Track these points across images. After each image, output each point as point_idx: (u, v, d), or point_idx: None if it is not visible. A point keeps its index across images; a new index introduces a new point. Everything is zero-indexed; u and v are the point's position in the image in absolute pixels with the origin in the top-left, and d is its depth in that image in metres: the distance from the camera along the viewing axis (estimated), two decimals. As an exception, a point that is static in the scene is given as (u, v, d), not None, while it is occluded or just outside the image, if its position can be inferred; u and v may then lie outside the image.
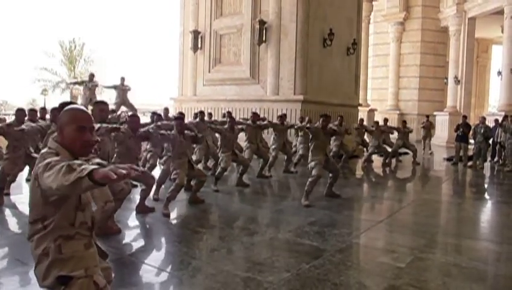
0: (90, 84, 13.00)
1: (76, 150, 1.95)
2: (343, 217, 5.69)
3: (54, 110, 6.22)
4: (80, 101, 13.98)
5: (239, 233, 4.88)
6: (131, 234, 4.80)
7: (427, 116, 18.50)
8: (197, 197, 6.14)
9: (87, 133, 1.96)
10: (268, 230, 5.06)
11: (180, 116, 6.48)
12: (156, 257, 4.03)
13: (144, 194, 5.42)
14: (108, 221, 4.36)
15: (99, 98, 13.18)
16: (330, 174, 6.64)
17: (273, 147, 9.20)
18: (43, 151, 1.93)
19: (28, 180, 7.49)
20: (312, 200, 6.51)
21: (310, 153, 6.45)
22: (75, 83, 15.61)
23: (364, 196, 7.75)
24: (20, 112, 6.43)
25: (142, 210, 5.44)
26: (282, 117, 9.54)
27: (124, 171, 1.50)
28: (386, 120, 12.73)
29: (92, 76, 13.30)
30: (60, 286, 1.88)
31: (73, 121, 1.94)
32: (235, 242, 4.49)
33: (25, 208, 5.63)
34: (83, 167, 1.53)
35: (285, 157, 9.29)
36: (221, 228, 5.20)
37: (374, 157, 12.30)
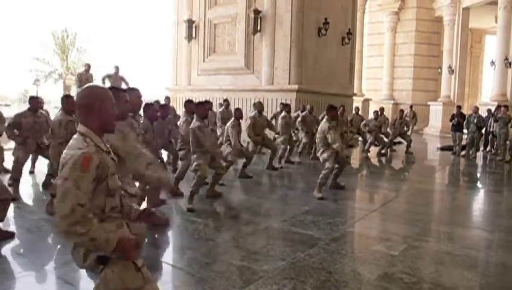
0: (87, 74, 12.87)
1: (110, 127, 2.06)
2: (338, 206, 5.74)
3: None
4: (74, 91, 13.86)
5: (234, 223, 4.91)
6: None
7: (411, 106, 18.68)
8: (215, 190, 5.95)
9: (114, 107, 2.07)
10: (263, 219, 5.09)
11: (208, 101, 6.34)
12: (151, 246, 4.05)
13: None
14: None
15: None
16: (337, 166, 6.49)
17: (281, 139, 9.07)
18: (74, 139, 1.96)
19: (31, 172, 7.44)
20: (307, 189, 6.56)
21: (320, 145, 6.32)
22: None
23: (358, 185, 7.81)
24: (33, 100, 6.18)
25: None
26: (287, 106, 9.42)
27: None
28: (382, 109, 12.70)
29: (88, 66, 13.17)
30: (99, 265, 1.94)
31: (110, 98, 2.02)
32: (230, 232, 4.52)
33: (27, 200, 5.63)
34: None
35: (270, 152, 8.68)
36: (217, 218, 5.22)
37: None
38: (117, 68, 13.03)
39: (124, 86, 13.11)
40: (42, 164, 7.14)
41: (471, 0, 19.93)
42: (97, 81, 13.27)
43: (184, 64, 15.52)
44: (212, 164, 5.61)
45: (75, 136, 1.98)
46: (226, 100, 10.64)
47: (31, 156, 6.70)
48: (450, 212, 5.96)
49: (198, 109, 5.59)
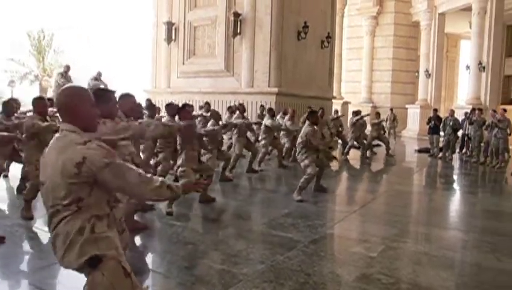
0: (66, 76, 12.63)
1: (92, 127, 2.08)
2: (317, 208, 5.76)
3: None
4: (51, 93, 13.56)
5: (214, 226, 4.89)
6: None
7: (391, 109, 19.02)
8: (207, 195, 5.80)
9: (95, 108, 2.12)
10: (243, 222, 5.08)
11: (189, 105, 6.26)
12: (130, 250, 3.98)
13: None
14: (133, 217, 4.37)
15: None
16: (317, 169, 6.45)
17: (263, 142, 9.00)
18: (64, 135, 1.98)
19: (5, 176, 7.16)
20: (287, 192, 6.58)
21: (302, 150, 6.29)
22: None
23: (338, 188, 7.86)
24: (39, 101, 5.26)
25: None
26: (271, 110, 9.35)
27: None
28: (358, 112, 12.79)
29: (67, 68, 12.92)
30: (88, 268, 1.91)
31: (86, 99, 2.05)
32: (210, 235, 4.49)
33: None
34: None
35: (250, 155, 8.58)
36: (196, 221, 5.18)
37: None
38: (99, 74, 12.85)
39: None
40: (16, 168, 6.96)
41: (447, 6, 20.37)
42: (77, 83, 13.01)
43: (163, 67, 15.40)
44: (199, 167, 5.53)
45: (66, 134, 1.97)
46: (207, 103, 10.56)
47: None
48: (428, 214, 6.05)
49: (182, 113, 5.51)
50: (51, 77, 13.66)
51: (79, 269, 1.97)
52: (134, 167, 2.01)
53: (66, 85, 2.11)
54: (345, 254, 4.06)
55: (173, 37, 14.90)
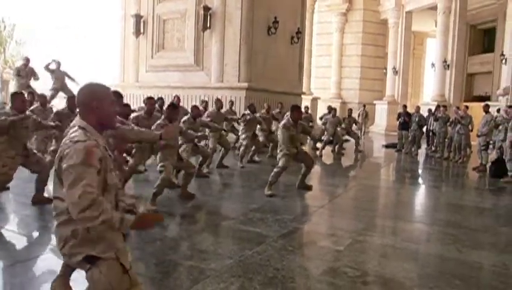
0: (26, 68, 12.17)
1: (110, 124, 2.12)
2: (286, 203, 5.78)
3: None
4: (13, 86, 13.03)
5: (182, 221, 4.84)
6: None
7: (364, 105, 19.39)
8: (187, 191, 5.73)
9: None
10: (211, 218, 5.06)
11: (171, 101, 6.16)
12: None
13: None
14: None
15: (34, 82, 12.34)
16: (304, 166, 6.47)
17: (243, 136, 8.93)
18: (74, 132, 1.97)
19: None
20: (255, 187, 6.59)
21: (279, 145, 6.25)
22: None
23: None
24: (17, 96, 5.19)
25: (39, 201, 5.09)
26: (252, 106, 9.27)
27: None
28: (330, 108, 12.91)
29: (27, 60, 12.46)
30: (87, 264, 1.93)
31: (108, 96, 2.07)
32: (178, 231, 4.45)
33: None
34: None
35: (222, 150, 8.48)
36: (164, 217, 5.11)
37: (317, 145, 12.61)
38: (58, 63, 12.44)
39: (68, 81, 12.58)
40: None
41: (414, 4, 20.85)
42: (39, 75, 12.57)
43: (132, 60, 15.09)
44: (179, 164, 5.47)
45: (74, 129, 1.99)
46: (176, 96, 10.43)
47: None
48: (394, 208, 6.19)
49: (171, 113, 5.46)
50: (12, 69, 13.13)
51: (78, 266, 1.99)
52: (89, 187, 1.81)
53: (87, 83, 2.11)
54: (313, 248, 4.10)
55: (141, 30, 14.61)
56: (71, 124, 2.08)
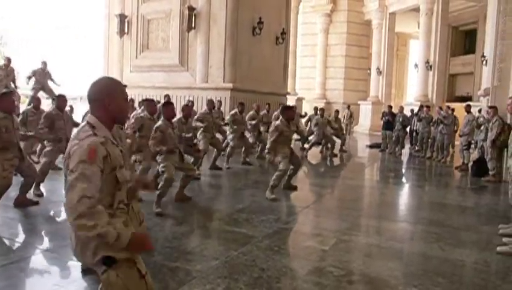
0: (7, 69, 11.95)
1: (122, 119, 2.09)
2: (271, 203, 5.77)
3: None
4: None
5: (167, 223, 4.80)
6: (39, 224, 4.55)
7: (348, 106, 19.55)
8: (184, 194, 5.65)
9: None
10: (197, 219, 5.04)
11: (169, 101, 6.07)
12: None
13: None
14: None
15: (16, 83, 12.13)
16: (292, 167, 6.41)
17: (230, 137, 8.86)
18: (81, 129, 1.92)
19: None
20: (241, 187, 6.58)
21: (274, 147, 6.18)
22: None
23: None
24: (4, 97, 4.95)
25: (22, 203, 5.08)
26: (242, 105, 9.20)
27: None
28: (317, 109, 12.91)
29: (8, 60, 12.23)
30: (102, 266, 1.86)
31: (121, 92, 2.02)
32: (163, 232, 4.42)
33: None
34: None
35: (215, 151, 8.47)
36: (149, 218, 5.06)
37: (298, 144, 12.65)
38: (44, 64, 12.26)
39: (50, 82, 12.40)
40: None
41: (397, 5, 21.09)
42: (20, 76, 12.37)
43: (116, 60, 14.95)
44: (180, 165, 5.39)
45: (83, 125, 1.94)
46: (167, 95, 10.25)
47: None
48: (378, 207, 6.25)
49: (166, 110, 5.43)
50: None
51: (94, 266, 1.92)
52: (88, 192, 1.73)
53: (99, 77, 2.05)
54: (298, 248, 4.12)
55: (126, 30, 14.48)
56: (82, 123, 2.03)
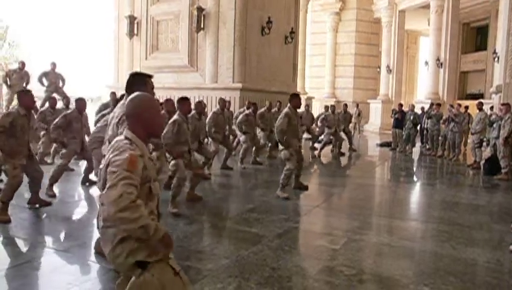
0: (22, 72, 12.12)
1: (157, 134, 2.22)
2: (281, 203, 5.79)
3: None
4: (4, 90, 12.96)
5: (178, 222, 4.83)
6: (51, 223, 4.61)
7: (357, 105, 19.47)
8: (194, 194, 5.67)
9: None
10: (208, 218, 5.07)
11: (186, 97, 5.95)
12: (91, 248, 3.89)
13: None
14: None
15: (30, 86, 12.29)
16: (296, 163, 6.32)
17: (243, 138, 8.83)
18: (119, 141, 1.99)
19: None
20: (251, 187, 6.59)
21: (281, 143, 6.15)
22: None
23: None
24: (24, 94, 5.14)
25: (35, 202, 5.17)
26: (254, 105, 9.18)
27: None
28: (328, 107, 12.87)
29: (23, 64, 12.40)
30: (138, 269, 1.92)
31: (152, 107, 2.12)
32: (174, 232, 4.44)
33: None
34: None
35: (225, 151, 8.42)
36: (160, 217, 5.11)
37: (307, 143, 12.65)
38: (54, 64, 12.39)
39: (60, 83, 12.52)
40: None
41: (407, 3, 20.92)
42: (33, 79, 12.51)
43: (126, 62, 15.04)
44: (189, 164, 5.39)
45: (120, 138, 2.03)
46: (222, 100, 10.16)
47: None
48: (389, 206, 6.22)
49: (182, 105, 5.43)
50: (5, 71, 13.01)
51: (128, 271, 1.98)
52: (129, 188, 1.80)
53: (134, 94, 2.14)
54: (308, 247, 4.12)
55: (135, 32, 14.58)
56: (118, 136, 2.13)
